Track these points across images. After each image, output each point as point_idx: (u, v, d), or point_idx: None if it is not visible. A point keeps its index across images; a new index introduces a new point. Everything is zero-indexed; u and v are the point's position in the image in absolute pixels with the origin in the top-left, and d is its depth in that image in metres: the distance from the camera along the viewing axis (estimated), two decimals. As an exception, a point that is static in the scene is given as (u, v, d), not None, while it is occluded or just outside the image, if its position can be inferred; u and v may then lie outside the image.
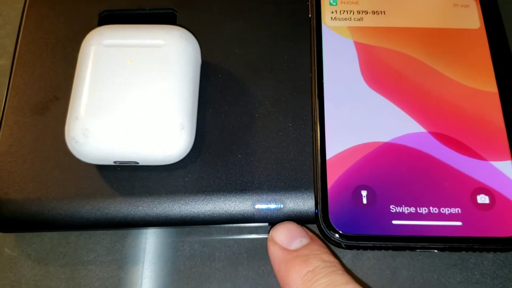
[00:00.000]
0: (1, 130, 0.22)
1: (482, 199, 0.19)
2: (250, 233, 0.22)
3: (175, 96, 0.20)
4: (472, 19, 0.23)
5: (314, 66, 0.22)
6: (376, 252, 0.21)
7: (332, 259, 0.18)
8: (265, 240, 0.21)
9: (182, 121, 0.19)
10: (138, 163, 0.20)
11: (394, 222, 0.19)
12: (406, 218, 0.19)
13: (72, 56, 0.23)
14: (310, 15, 0.23)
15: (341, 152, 0.20)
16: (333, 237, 0.19)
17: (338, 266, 0.18)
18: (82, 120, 0.19)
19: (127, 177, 0.20)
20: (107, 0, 0.25)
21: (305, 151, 0.21)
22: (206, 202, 0.20)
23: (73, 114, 0.19)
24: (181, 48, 0.20)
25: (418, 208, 0.19)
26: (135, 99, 0.19)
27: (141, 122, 0.19)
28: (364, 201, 0.19)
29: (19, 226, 0.21)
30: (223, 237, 0.22)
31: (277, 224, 0.19)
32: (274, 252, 0.18)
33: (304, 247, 0.18)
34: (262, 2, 0.24)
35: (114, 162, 0.19)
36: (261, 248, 0.21)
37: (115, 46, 0.20)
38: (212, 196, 0.20)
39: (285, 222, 0.19)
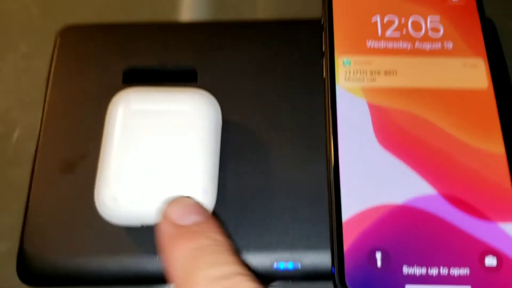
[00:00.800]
0: (32, 188, 0.23)
1: (490, 261, 0.20)
2: None
3: (198, 161, 0.21)
4: (480, 79, 0.24)
5: (329, 126, 0.23)
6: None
7: (222, 238, 0.17)
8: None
9: (204, 185, 0.21)
10: (164, 225, 0.21)
11: (407, 282, 0.20)
12: (417, 281, 0.20)
13: (99, 113, 0.24)
14: (324, 75, 0.24)
15: (357, 214, 0.21)
16: (349, 298, 0.20)
17: (227, 246, 0.17)
18: (111, 186, 0.20)
19: (152, 236, 0.22)
20: (131, 57, 0.26)
21: (322, 210, 0.22)
22: (226, 259, 0.21)
23: (103, 179, 0.21)
24: (204, 113, 0.22)
25: (429, 270, 0.20)
26: (160, 164, 0.21)
27: (167, 188, 0.20)
28: (379, 263, 0.20)
29: (49, 281, 0.22)
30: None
31: (173, 199, 0.19)
32: (163, 227, 0.18)
33: (195, 224, 0.18)
34: (279, 61, 0.26)
35: (142, 225, 0.21)
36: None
37: (142, 111, 0.22)
38: (232, 253, 0.22)
39: (183, 197, 0.19)
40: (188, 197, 0.20)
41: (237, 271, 0.16)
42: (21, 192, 0.24)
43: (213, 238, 0.17)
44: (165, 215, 0.18)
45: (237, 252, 0.17)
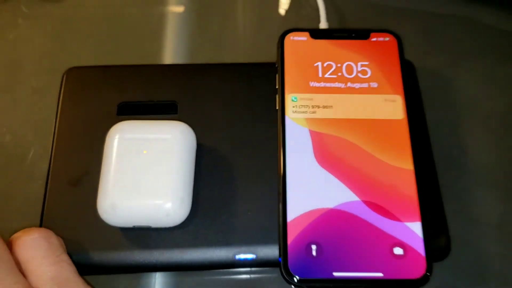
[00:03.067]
0: (47, 198, 0.29)
1: (398, 251, 0.27)
2: (233, 274, 0.29)
3: (177, 178, 0.27)
4: (397, 111, 0.30)
5: (280, 148, 0.29)
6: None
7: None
8: (244, 279, 0.29)
9: (182, 196, 0.27)
10: (151, 226, 0.27)
11: (334, 269, 0.26)
12: (343, 266, 0.26)
13: (98, 138, 0.29)
14: (277, 108, 0.31)
15: (298, 216, 0.27)
16: (291, 280, 0.26)
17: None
18: (110, 197, 0.26)
19: (142, 235, 0.28)
20: (124, 94, 0.31)
21: (273, 214, 0.28)
22: (198, 252, 0.28)
23: (103, 192, 0.26)
24: (182, 140, 0.28)
25: (352, 258, 0.26)
26: (148, 180, 0.27)
27: (153, 198, 0.26)
28: (314, 253, 0.27)
29: None
30: (212, 277, 0.29)
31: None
32: None
33: None
34: (243, 96, 0.32)
35: (134, 226, 0.27)
36: (240, 285, 0.29)
37: (133, 139, 0.28)
38: (203, 248, 0.28)
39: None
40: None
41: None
42: (36, 202, 0.30)
43: None
44: None
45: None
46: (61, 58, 0.36)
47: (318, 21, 0.36)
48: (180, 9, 0.39)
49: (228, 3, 0.39)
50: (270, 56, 0.32)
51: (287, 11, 0.39)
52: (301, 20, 0.39)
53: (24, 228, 0.25)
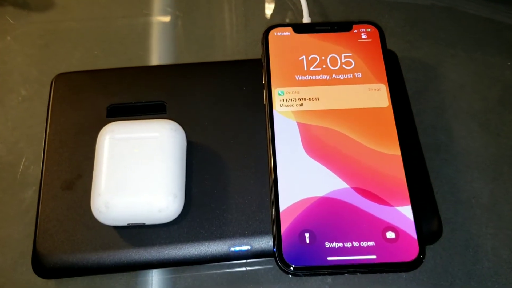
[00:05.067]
0: (41, 202, 0.29)
1: (390, 235, 0.27)
2: (229, 268, 0.29)
3: (169, 174, 0.27)
4: (382, 100, 0.31)
5: (269, 141, 0.30)
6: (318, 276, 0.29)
7: None
8: (240, 273, 0.29)
9: (175, 192, 0.27)
10: (145, 223, 0.27)
11: (328, 255, 0.27)
12: (336, 251, 0.27)
13: (89, 141, 0.30)
14: (265, 103, 0.31)
15: (290, 206, 0.28)
16: (287, 269, 0.26)
17: None
18: (103, 196, 0.27)
19: (136, 233, 0.28)
20: (113, 97, 0.32)
21: (265, 206, 0.29)
22: (194, 247, 0.28)
23: (96, 192, 0.27)
24: (172, 137, 0.28)
25: (345, 244, 0.27)
26: (140, 178, 0.27)
27: (146, 195, 0.27)
28: (307, 241, 0.27)
29: (58, 274, 0.28)
30: (209, 272, 0.29)
31: None
32: None
33: None
34: (230, 92, 0.32)
35: (128, 224, 0.27)
36: (236, 279, 0.29)
37: (123, 139, 0.28)
38: (198, 243, 0.28)
39: None
40: None
41: None
42: (31, 207, 0.31)
43: None
44: None
45: None
46: (49, 66, 0.36)
47: (298, 19, 0.37)
48: (165, 14, 0.39)
49: (213, 4, 0.40)
50: (255, 54, 0.33)
51: (271, 10, 0.40)
52: (285, 18, 0.39)
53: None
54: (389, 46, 0.33)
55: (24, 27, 0.38)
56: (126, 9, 0.39)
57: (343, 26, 0.34)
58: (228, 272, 0.29)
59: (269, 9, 0.39)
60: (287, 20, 0.38)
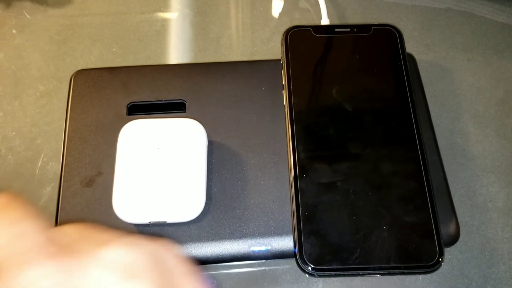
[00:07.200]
0: (61, 199, 0.29)
1: (411, 238, 0.27)
2: (249, 267, 0.29)
3: (190, 174, 0.27)
4: (402, 103, 0.31)
5: (289, 142, 0.30)
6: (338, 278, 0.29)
7: None
8: (258, 272, 0.29)
9: (196, 190, 0.27)
10: (166, 222, 0.27)
11: (349, 257, 0.27)
12: (357, 254, 0.27)
13: (110, 139, 0.30)
14: (284, 103, 0.31)
15: (312, 207, 0.28)
16: (306, 270, 0.26)
17: None
18: (125, 195, 0.27)
19: (157, 231, 0.28)
20: (133, 95, 0.32)
21: (286, 206, 0.29)
22: (214, 246, 0.28)
23: (118, 190, 0.27)
24: (194, 136, 0.28)
25: (365, 246, 0.27)
26: (162, 177, 0.27)
27: (168, 195, 0.27)
28: (328, 243, 0.27)
29: None
30: (228, 271, 0.29)
31: None
32: None
33: None
34: (250, 92, 0.32)
35: (149, 222, 0.27)
36: (255, 278, 0.29)
37: (145, 136, 0.28)
38: (218, 242, 0.28)
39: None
40: None
41: None
42: (50, 204, 0.30)
43: None
44: None
45: None
46: (67, 62, 0.36)
47: (315, 19, 0.37)
48: (183, 12, 0.39)
49: (231, 4, 0.40)
50: (271, 53, 0.33)
51: (288, 11, 0.40)
52: (302, 19, 0.39)
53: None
54: (407, 49, 0.33)
55: (42, 22, 0.38)
56: (144, 5, 0.39)
57: (362, 29, 0.34)
58: (247, 271, 0.29)
59: (286, 9, 0.39)
60: (304, 22, 0.38)
